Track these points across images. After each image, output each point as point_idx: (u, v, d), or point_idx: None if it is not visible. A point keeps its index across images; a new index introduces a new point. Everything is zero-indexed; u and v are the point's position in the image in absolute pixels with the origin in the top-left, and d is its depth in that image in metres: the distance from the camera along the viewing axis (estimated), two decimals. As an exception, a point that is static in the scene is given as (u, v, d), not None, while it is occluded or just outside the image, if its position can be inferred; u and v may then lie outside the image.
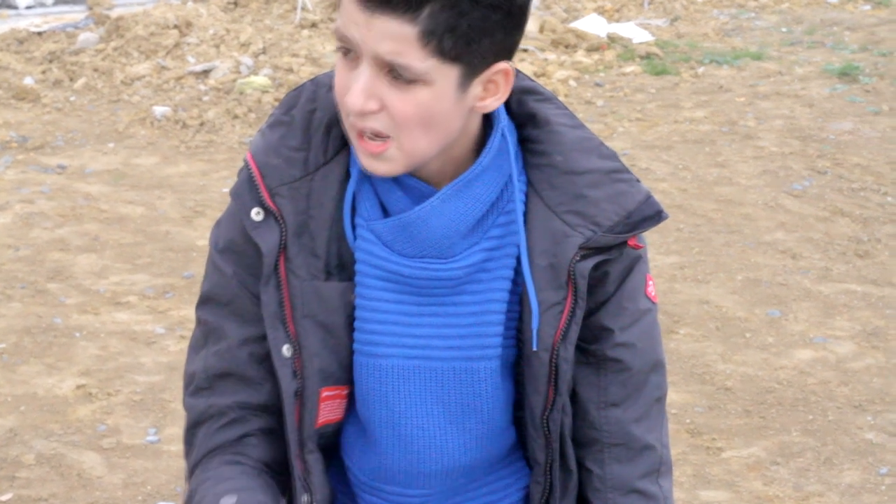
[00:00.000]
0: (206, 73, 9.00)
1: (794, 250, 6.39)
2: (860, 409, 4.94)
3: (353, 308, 1.83)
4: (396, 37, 1.60)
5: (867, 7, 11.69)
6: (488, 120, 1.81)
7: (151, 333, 5.43)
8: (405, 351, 1.83)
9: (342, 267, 1.82)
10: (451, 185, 1.77)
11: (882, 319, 5.69)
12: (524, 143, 1.83)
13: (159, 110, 8.35)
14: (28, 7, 11.85)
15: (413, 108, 1.66)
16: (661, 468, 1.92)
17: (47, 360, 5.19)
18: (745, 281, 6.03)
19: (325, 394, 1.86)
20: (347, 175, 1.81)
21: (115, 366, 5.17)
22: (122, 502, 4.34)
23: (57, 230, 6.51)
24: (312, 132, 1.80)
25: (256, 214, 1.79)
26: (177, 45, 9.43)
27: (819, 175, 7.41)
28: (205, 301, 1.89)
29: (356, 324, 1.83)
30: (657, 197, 6.88)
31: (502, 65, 1.69)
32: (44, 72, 9.26)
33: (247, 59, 9.10)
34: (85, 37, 9.70)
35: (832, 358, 5.34)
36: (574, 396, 1.88)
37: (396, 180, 1.78)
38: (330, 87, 1.80)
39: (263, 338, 1.84)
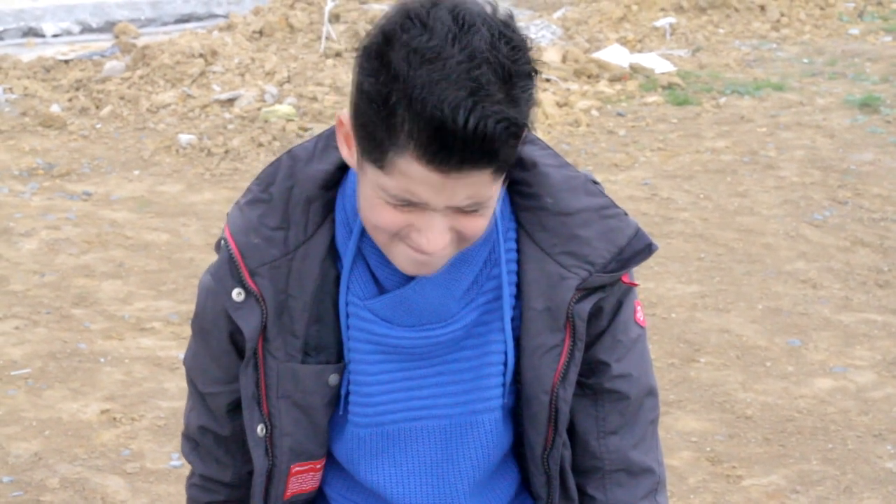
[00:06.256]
0: (231, 101, 9.07)
1: (814, 280, 6.40)
2: (880, 438, 4.94)
3: (332, 388, 1.83)
4: (475, 184, 1.57)
5: (888, 38, 11.70)
6: None
7: (175, 359, 5.47)
8: (412, 413, 1.84)
9: (320, 349, 1.81)
10: None
11: (902, 349, 5.70)
12: (513, 185, 1.82)
13: (184, 138, 8.41)
14: (55, 35, 11.96)
15: (484, 223, 1.65)
16: (658, 486, 1.95)
17: (72, 385, 5.23)
18: (765, 310, 6.04)
19: (295, 469, 1.88)
20: (328, 252, 1.79)
21: (140, 391, 5.21)
22: (145, 526, 4.38)
23: (82, 256, 6.56)
24: (291, 210, 1.77)
25: (238, 295, 1.77)
26: (202, 73, 9.51)
27: (840, 205, 7.43)
28: (187, 368, 1.95)
29: (354, 398, 1.83)
30: (679, 226, 6.96)
31: None
32: (70, 99, 9.33)
33: (271, 88, 9.17)
34: (111, 65, 9.79)
35: (852, 387, 5.34)
36: (572, 427, 1.90)
37: None
38: (307, 161, 1.79)
39: (221, 422, 1.93)
